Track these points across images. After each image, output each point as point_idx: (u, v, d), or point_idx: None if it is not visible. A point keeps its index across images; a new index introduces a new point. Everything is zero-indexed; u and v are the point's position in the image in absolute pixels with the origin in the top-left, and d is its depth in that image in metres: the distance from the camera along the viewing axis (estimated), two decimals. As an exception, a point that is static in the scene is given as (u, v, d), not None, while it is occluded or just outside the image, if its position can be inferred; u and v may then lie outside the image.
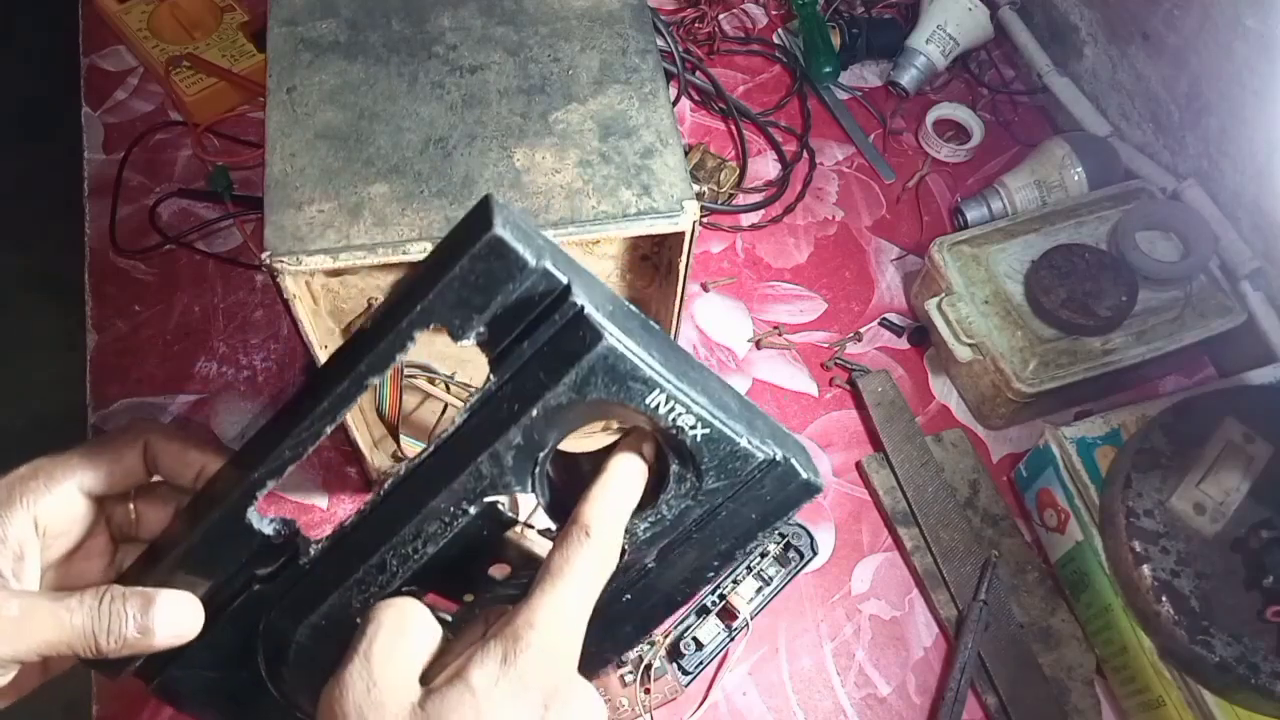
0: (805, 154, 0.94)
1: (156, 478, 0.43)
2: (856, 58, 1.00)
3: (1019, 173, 0.87)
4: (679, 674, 0.66)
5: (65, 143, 0.95)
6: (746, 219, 0.90)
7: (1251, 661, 0.59)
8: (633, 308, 0.39)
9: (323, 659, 0.36)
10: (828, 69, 0.96)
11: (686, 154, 0.89)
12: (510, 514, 0.38)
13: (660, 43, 0.94)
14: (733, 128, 0.95)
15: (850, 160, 0.95)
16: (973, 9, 0.95)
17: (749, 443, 0.39)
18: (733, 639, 0.68)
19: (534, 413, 0.35)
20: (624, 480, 0.38)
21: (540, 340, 0.35)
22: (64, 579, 0.41)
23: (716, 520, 0.41)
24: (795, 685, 0.68)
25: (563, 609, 0.35)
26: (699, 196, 0.87)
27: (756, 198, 0.91)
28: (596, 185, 0.51)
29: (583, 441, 0.43)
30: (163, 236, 0.83)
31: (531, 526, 0.40)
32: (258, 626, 0.39)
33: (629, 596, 0.40)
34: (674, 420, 0.37)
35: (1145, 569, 0.62)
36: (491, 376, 0.35)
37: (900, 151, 0.96)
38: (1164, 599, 0.61)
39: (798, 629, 0.70)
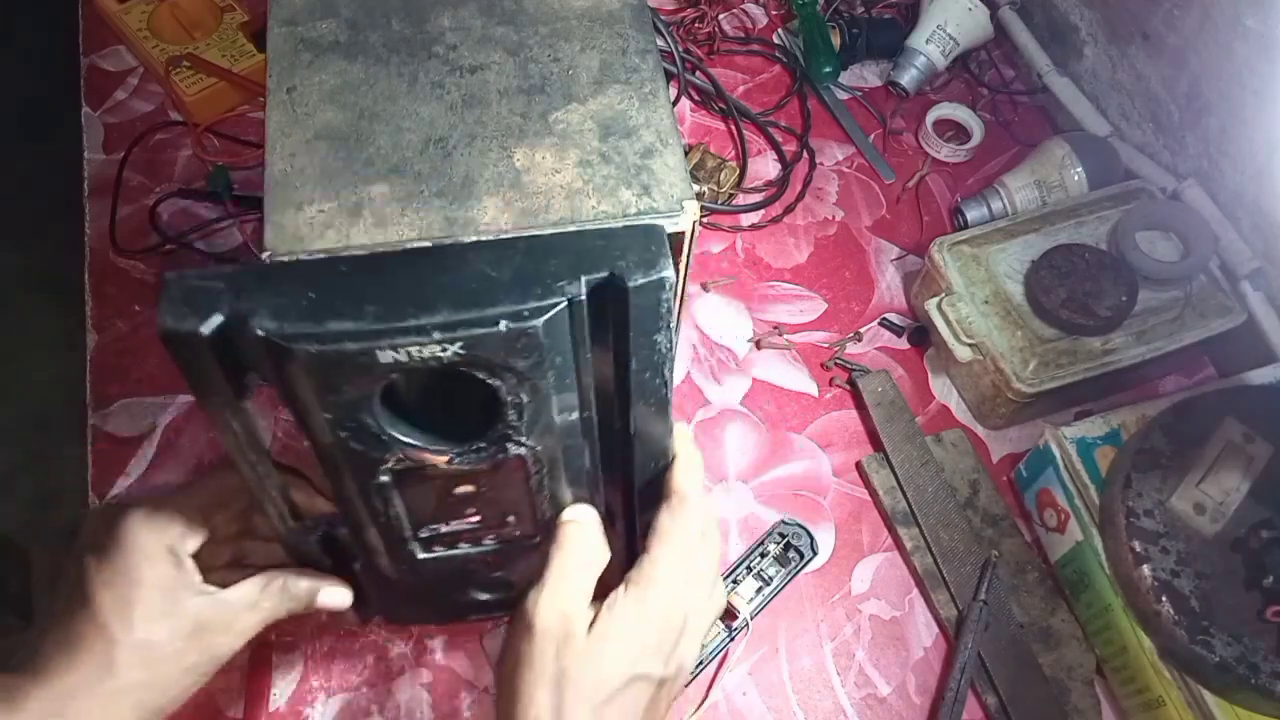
0: (805, 154, 0.94)
1: None
2: (856, 58, 1.00)
3: (1019, 173, 0.87)
4: (679, 674, 0.66)
5: (65, 143, 0.95)
6: (746, 219, 0.90)
7: (1251, 661, 0.59)
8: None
9: None
10: (828, 69, 0.96)
11: (686, 154, 0.89)
12: None
13: (660, 43, 0.94)
14: (733, 128, 0.95)
15: (850, 160, 0.95)
16: (973, 9, 0.95)
17: (507, 323, 0.37)
18: (732, 639, 0.68)
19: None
20: (693, 449, 0.48)
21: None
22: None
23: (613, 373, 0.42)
24: (795, 685, 0.68)
25: (674, 558, 0.46)
26: (699, 196, 0.87)
27: (756, 198, 0.91)
28: (596, 185, 0.51)
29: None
30: (163, 237, 0.83)
31: None
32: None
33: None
34: (422, 356, 0.37)
35: (1145, 569, 0.62)
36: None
37: (900, 151, 0.96)
38: (1164, 599, 0.61)
39: (798, 629, 0.70)
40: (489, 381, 0.39)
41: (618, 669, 0.44)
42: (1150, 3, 0.84)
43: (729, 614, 0.68)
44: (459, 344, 0.37)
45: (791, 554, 0.72)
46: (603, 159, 0.52)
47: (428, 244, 0.49)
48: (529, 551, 0.50)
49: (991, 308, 0.76)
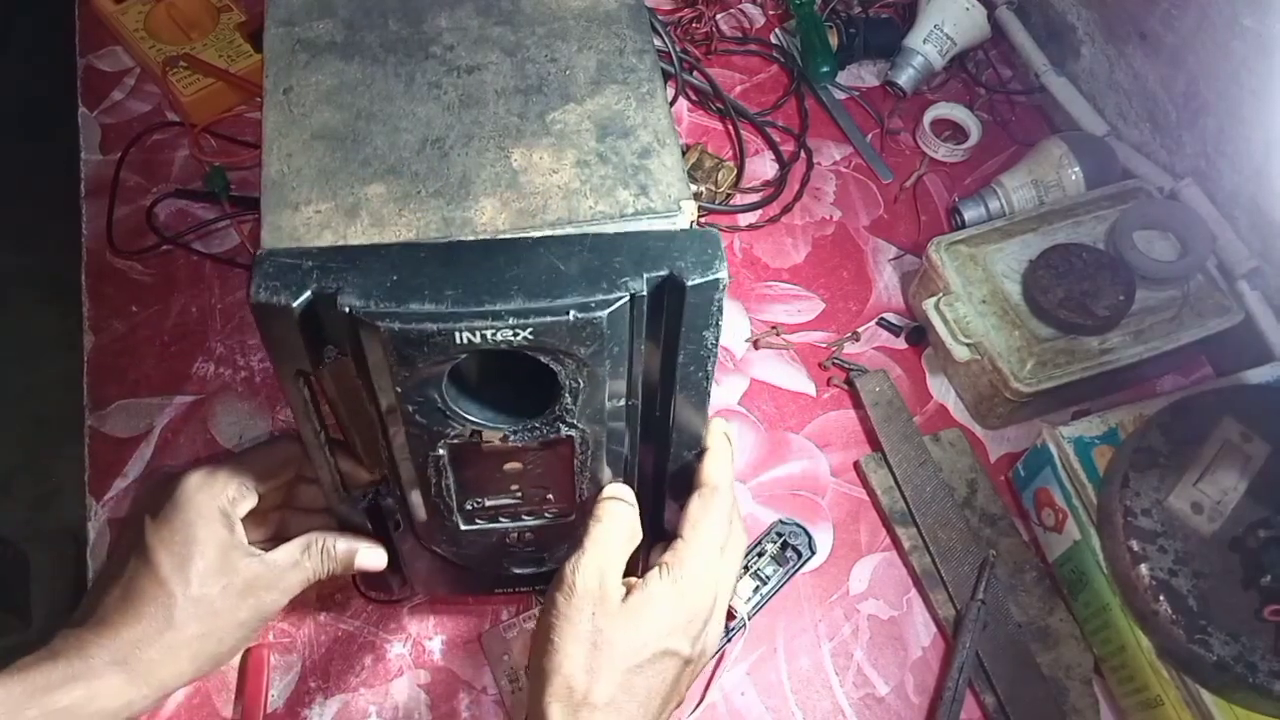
0: (803, 154, 0.94)
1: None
2: (854, 57, 1.00)
3: (1016, 172, 0.87)
4: (677, 674, 0.66)
5: (62, 143, 0.95)
6: (744, 219, 0.90)
7: (1249, 660, 0.59)
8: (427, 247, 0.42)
9: None
10: (825, 69, 0.96)
11: (684, 154, 0.89)
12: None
13: (657, 43, 0.94)
14: (730, 128, 0.95)
15: (848, 160, 0.95)
16: (970, 9, 0.95)
17: (575, 313, 0.40)
18: (730, 639, 0.68)
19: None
20: (727, 441, 0.52)
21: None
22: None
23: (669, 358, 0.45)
24: (793, 685, 0.68)
25: (705, 545, 0.49)
26: (696, 196, 0.87)
27: (754, 198, 0.91)
28: (594, 185, 0.51)
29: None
30: (160, 237, 0.83)
31: None
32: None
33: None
34: (495, 340, 0.40)
35: (1143, 568, 0.62)
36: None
37: (898, 151, 0.96)
38: (1161, 598, 0.61)
39: (796, 629, 0.70)
40: (551, 365, 0.42)
41: (650, 640, 0.46)
42: (1147, 2, 0.84)
43: (727, 614, 0.68)
44: (529, 330, 0.40)
45: (789, 554, 0.72)
46: (600, 159, 0.52)
47: (505, 235, 0.51)
48: (563, 529, 0.54)
49: (989, 307, 0.76)
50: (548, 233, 0.50)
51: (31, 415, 1.68)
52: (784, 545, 0.72)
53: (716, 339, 0.44)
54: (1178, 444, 0.66)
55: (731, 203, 0.90)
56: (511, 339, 0.40)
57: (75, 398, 0.76)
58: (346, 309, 0.40)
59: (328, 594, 0.68)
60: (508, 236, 0.51)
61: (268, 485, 0.56)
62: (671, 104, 0.95)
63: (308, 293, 0.40)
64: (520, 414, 0.46)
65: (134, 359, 0.78)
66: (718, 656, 0.68)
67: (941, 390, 0.82)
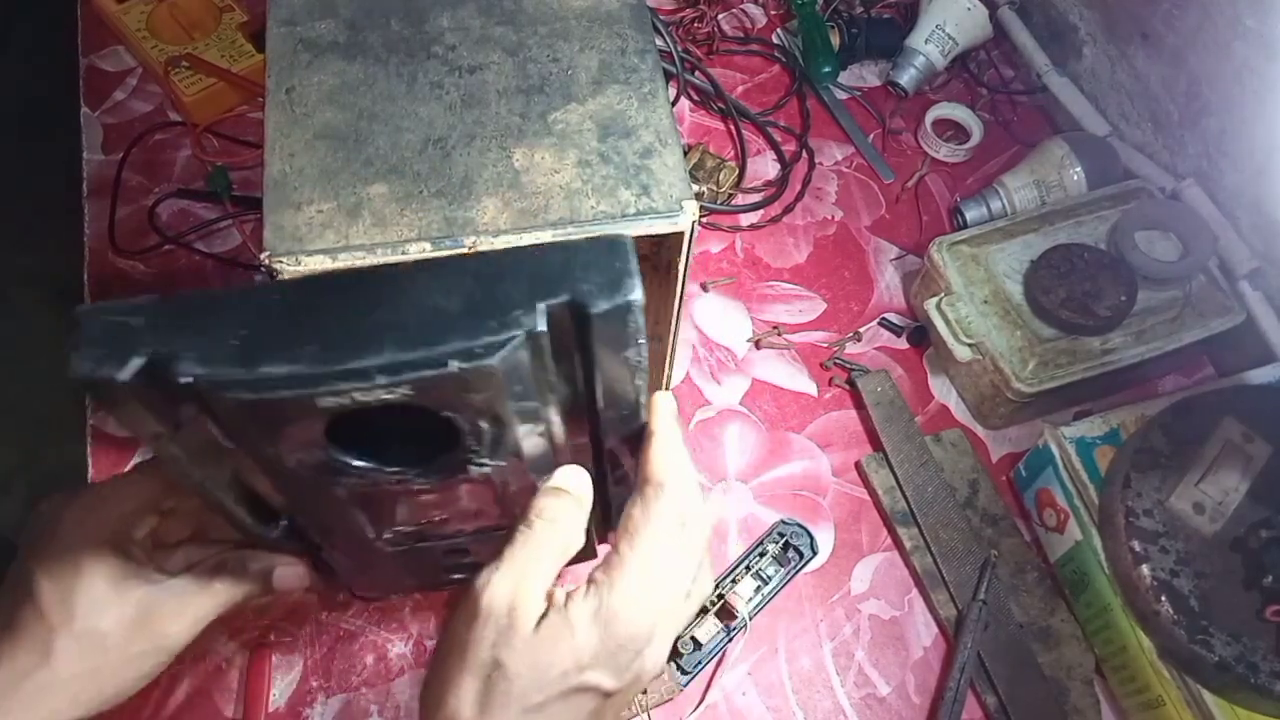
0: (804, 154, 0.94)
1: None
2: (855, 57, 1.00)
3: (1018, 172, 0.87)
4: (677, 673, 0.66)
5: (64, 143, 0.95)
6: (746, 219, 0.90)
7: (1250, 661, 0.59)
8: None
9: None
10: (827, 69, 0.96)
11: (686, 154, 0.89)
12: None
13: (659, 43, 0.94)
14: (732, 128, 0.95)
15: (849, 160, 0.95)
16: (971, 9, 0.95)
17: (458, 363, 0.34)
18: (731, 638, 0.68)
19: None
20: (672, 425, 0.43)
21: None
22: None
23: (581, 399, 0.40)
24: (794, 685, 0.68)
25: (645, 561, 0.41)
26: (698, 196, 0.87)
27: (756, 198, 0.91)
28: (595, 185, 0.51)
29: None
30: (162, 237, 0.83)
31: None
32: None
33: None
34: (366, 400, 0.34)
35: (1144, 568, 0.62)
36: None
37: (899, 151, 0.96)
38: (1163, 598, 0.61)
39: (797, 629, 0.70)
40: (443, 415, 0.36)
41: (558, 676, 0.40)
42: (1149, 2, 0.84)
43: (728, 614, 0.68)
44: (407, 386, 0.34)
45: (791, 554, 0.72)
46: (602, 159, 0.52)
47: (377, 262, 0.46)
48: (501, 536, 0.47)
49: (991, 307, 0.76)
50: (547, 234, 0.50)
51: (32, 415, 1.68)
52: (785, 545, 0.72)
53: (641, 356, 0.38)
54: (1179, 444, 0.66)
55: (733, 203, 0.90)
56: (386, 398, 0.34)
57: (76, 398, 0.76)
58: (185, 379, 0.34)
59: (328, 594, 0.68)
60: (378, 265, 0.45)
61: (173, 500, 0.50)
62: (673, 104, 0.95)
63: (138, 359, 0.34)
64: (422, 452, 0.39)
65: (136, 359, 0.78)
66: (719, 656, 0.68)
67: (943, 390, 0.82)
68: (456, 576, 0.52)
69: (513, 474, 0.41)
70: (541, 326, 0.35)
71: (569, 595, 0.41)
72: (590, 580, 0.41)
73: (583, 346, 0.37)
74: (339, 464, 0.38)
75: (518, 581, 0.40)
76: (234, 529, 0.47)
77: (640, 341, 0.38)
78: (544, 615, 0.40)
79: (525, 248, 0.37)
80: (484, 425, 0.37)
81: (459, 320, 0.34)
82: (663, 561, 0.41)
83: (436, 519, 0.45)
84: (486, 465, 0.40)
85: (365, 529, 0.45)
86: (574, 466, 0.44)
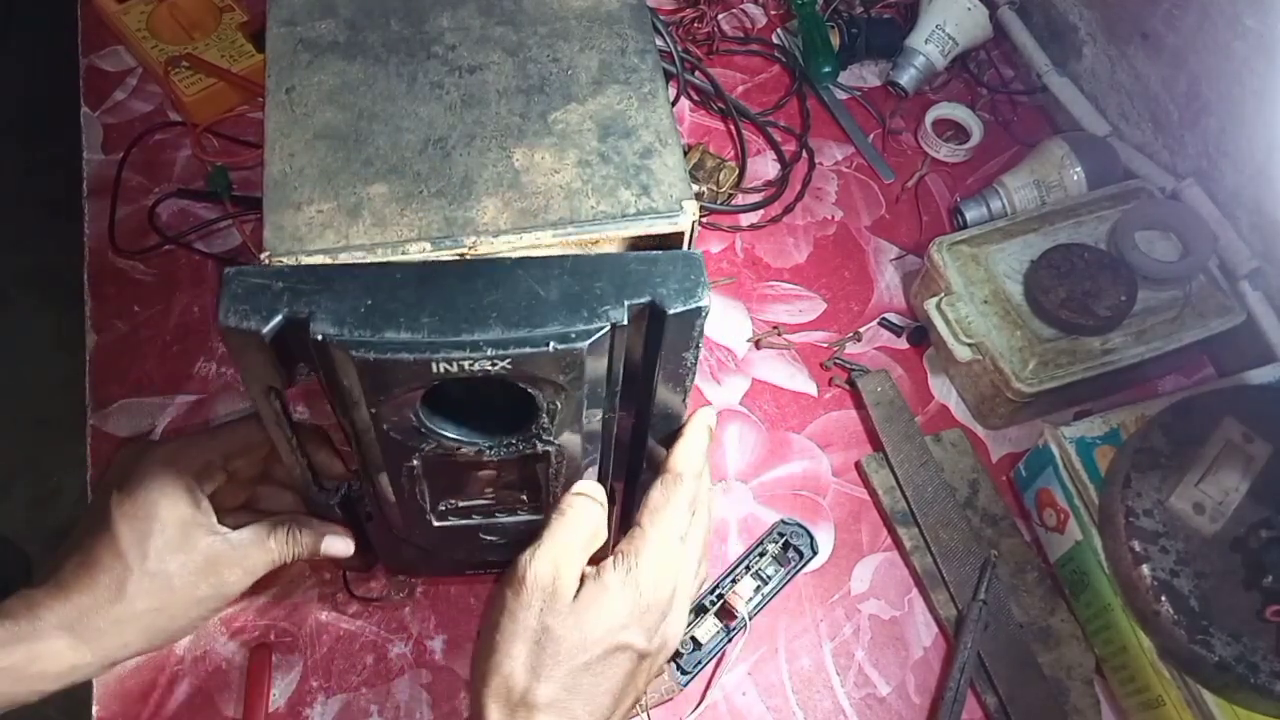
0: (804, 154, 0.94)
1: None
2: (855, 57, 1.00)
3: (1018, 172, 0.87)
4: (677, 673, 0.66)
5: (64, 143, 0.95)
6: (746, 219, 0.90)
7: (1251, 661, 0.59)
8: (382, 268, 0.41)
9: None
10: (827, 69, 0.96)
11: (685, 154, 0.89)
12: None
13: (659, 43, 0.94)
14: (732, 128, 0.95)
15: (849, 160, 0.95)
16: (971, 9, 0.95)
17: (555, 344, 0.39)
18: (731, 638, 0.68)
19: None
20: (702, 431, 0.50)
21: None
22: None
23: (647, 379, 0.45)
24: (794, 685, 0.68)
25: (664, 534, 0.47)
26: (698, 196, 0.87)
27: (756, 198, 0.91)
28: (595, 185, 0.51)
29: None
30: (162, 237, 0.83)
31: None
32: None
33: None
34: (473, 369, 0.39)
35: (1144, 568, 0.62)
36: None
37: (899, 151, 0.96)
38: (1163, 598, 0.61)
39: (797, 629, 0.70)
40: (528, 390, 0.41)
41: (600, 636, 0.45)
42: (1149, 2, 0.84)
43: (728, 613, 0.68)
44: (508, 360, 0.39)
45: (791, 554, 0.72)
46: (602, 159, 0.52)
47: (486, 256, 0.51)
48: (537, 525, 0.52)
49: (991, 307, 0.76)
50: (547, 234, 0.50)
51: (32, 415, 1.68)
52: (785, 545, 0.72)
53: (696, 359, 0.44)
54: (1179, 444, 0.66)
55: (733, 203, 0.90)
56: (489, 369, 0.39)
57: (76, 398, 0.76)
58: (319, 336, 0.38)
59: (329, 594, 0.68)
60: (487, 256, 0.50)
61: (241, 461, 0.56)
62: (673, 104, 0.95)
63: (279, 317, 0.39)
64: (497, 428, 0.45)
65: (136, 359, 0.78)
66: (718, 656, 0.68)
67: (943, 390, 0.82)
68: (490, 559, 0.57)
69: (566, 458, 0.47)
70: (625, 321, 0.40)
71: (599, 566, 0.47)
72: (617, 552, 0.47)
73: (650, 349, 0.43)
74: (427, 429, 0.43)
75: (558, 557, 0.46)
76: (297, 491, 0.54)
77: (699, 345, 0.43)
78: (580, 586, 0.46)
79: (615, 255, 0.43)
80: (559, 404, 0.42)
81: (558, 308, 0.39)
82: (678, 537, 0.48)
83: (488, 494, 0.51)
84: (551, 444, 0.45)
85: (425, 499, 0.49)
86: (593, 482, 0.50)
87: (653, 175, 0.52)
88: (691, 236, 0.52)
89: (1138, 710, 0.66)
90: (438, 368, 0.38)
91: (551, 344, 0.38)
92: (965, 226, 0.86)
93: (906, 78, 0.97)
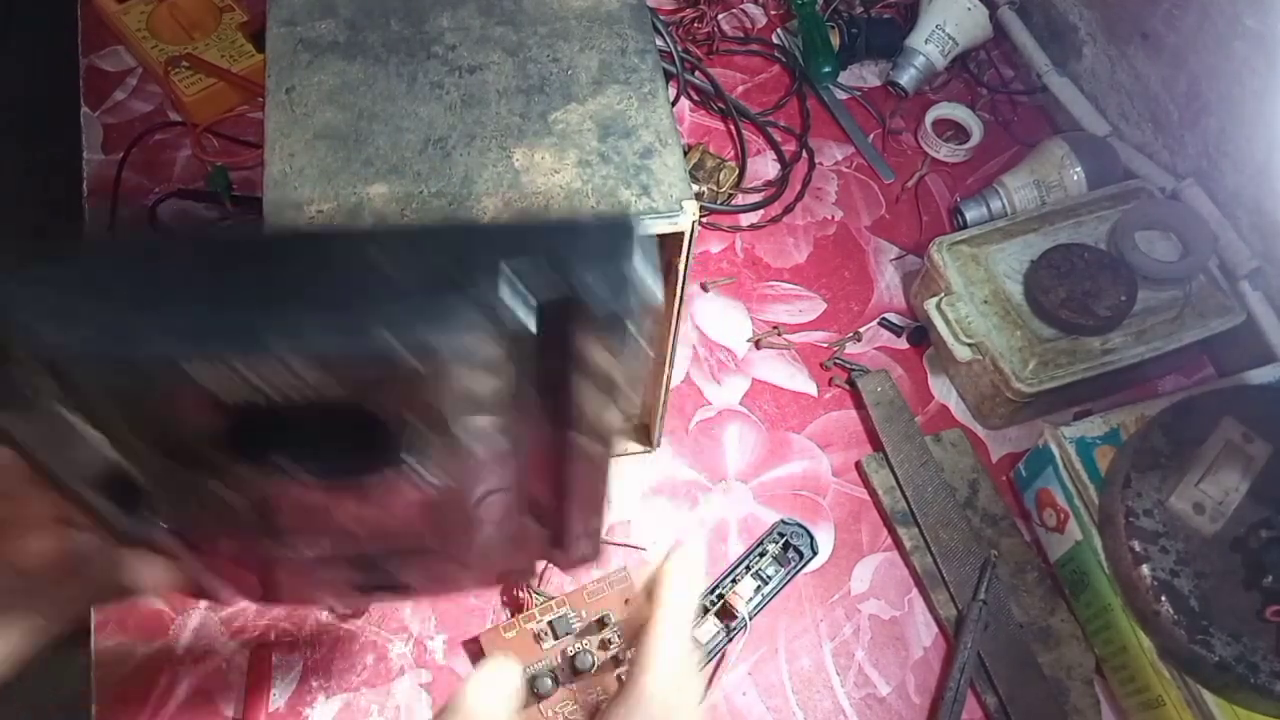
0: (804, 154, 0.94)
1: None
2: (855, 57, 1.00)
3: (1018, 172, 0.87)
4: (678, 674, 0.66)
5: (64, 143, 0.95)
6: (746, 219, 0.90)
7: (1251, 661, 0.59)
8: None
9: None
10: (827, 69, 0.96)
11: (686, 154, 0.89)
12: None
13: (659, 43, 0.94)
14: (732, 128, 0.95)
15: (849, 160, 0.95)
16: (972, 9, 0.95)
17: (388, 335, 0.27)
18: (731, 639, 0.68)
19: None
20: (681, 608, 0.43)
21: None
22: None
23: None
24: (794, 685, 0.68)
25: (663, 689, 0.41)
26: (698, 196, 0.87)
27: (756, 198, 0.91)
28: (595, 185, 0.51)
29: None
30: (162, 237, 0.83)
31: None
32: None
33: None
34: (265, 383, 0.27)
35: (1144, 568, 0.62)
36: None
37: (899, 151, 0.96)
38: (1163, 598, 0.61)
39: (797, 629, 0.70)
40: (364, 409, 0.29)
41: None
42: (1149, 2, 0.84)
43: (728, 614, 0.68)
44: (310, 363, 0.27)
45: (791, 554, 0.72)
46: (602, 159, 0.52)
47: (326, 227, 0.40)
48: (431, 554, 0.42)
49: (991, 308, 0.76)
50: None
51: (33, 415, 1.68)
52: (785, 545, 0.72)
53: (641, 362, 0.32)
54: (1179, 444, 0.66)
55: (733, 203, 0.90)
56: (291, 382, 0.27)
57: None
58: (31, 351, 0.26)
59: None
60: (328, 227, 0.39)
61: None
62: (673, 104, 0.95)
63: None
64: (355, 449, 0.32)
65: (136, 359, 0.78)
66: (719, 656, 0.68)
67: (943, 390, 0.82)
68: (377, 591, 0.46)
69: (458, 492, 0.35)
70: (532, 329, 0.28)
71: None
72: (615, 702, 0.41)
73: (564, 348, 0.30)
74: (227, 459, 0.31)
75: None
76: (105, 529, 0.37)
77: (639, 351, 0.31)
78: None
79: (517, 225, 0.31)
80: (418, 425, 0.30)
81: (407, 292, 0.27)
82: (677, 689, 0.42)
83: (352, 530, 0.38)
84: (428, 484, 0.33)
85: (273, 537, 0.37)
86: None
87: (653, 175, 0.52)
88: (692, 236, 0.52)
89: (1138, 710, 0.66)
90: (199, 374, 0.26)
91: (380, 334, 0.26)
92: (965, 226, 0.86)
93: (906, 78, 0.97)
